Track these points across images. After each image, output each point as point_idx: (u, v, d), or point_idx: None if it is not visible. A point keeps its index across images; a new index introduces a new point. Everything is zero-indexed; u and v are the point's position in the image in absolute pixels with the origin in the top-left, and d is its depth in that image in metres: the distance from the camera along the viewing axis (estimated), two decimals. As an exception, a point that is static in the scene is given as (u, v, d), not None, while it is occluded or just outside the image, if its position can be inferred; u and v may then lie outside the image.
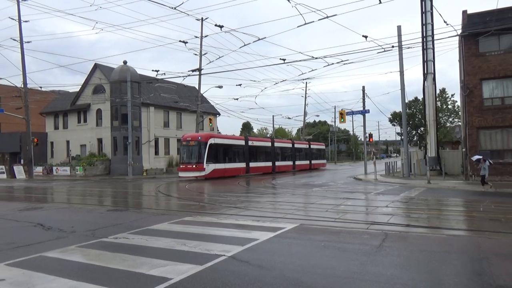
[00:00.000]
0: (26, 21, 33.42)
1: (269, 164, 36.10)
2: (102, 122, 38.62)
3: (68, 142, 41.85)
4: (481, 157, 17.22)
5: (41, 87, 33.50)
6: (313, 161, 45.91)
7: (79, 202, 15.88)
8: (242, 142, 32.60)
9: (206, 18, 32.49)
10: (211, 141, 28.29)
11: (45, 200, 17.08)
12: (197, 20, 32.30)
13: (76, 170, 35.96)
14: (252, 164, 33.10)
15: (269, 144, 36.82)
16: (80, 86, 40.15)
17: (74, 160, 38.52)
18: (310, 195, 15.76)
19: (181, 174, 28.31)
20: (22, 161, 38.63)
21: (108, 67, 38.08)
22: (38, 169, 37.71)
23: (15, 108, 36.07)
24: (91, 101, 39.31)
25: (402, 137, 33.14)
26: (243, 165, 32.00)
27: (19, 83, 34.09)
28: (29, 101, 34.02)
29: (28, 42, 33.86)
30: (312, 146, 46.36)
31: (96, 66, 38.97)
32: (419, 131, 45.85)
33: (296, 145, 42.19)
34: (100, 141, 39.01)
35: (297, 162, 41.78)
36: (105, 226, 8.96)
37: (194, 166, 27.33)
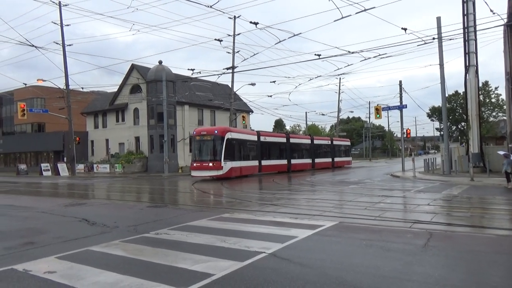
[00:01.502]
0: (67, 25, 34.90)
1: (284, 162, 32.71)
2: (139, 120, 39.74)
3: (107, 140, 43.40)
4: (504, 152, 16.57)
5: (82, 88, 34.91)
6: (336, 159, 42.26)
7: (119, 198, 16.40)
8: (255, 138, 29.29)
9: (238, 16, 32.64)
10: (228, 135, 25.08)
11: (88, 196, 17.78)
12: (230, 18, 32.51)
13: (115, 168, 37.22)
14: (264, 162, 29.84)
15: (284, 140, 33.41)
16: (118, 86, 41.50)
17: (113, 158, 39.90)
18: (347, 192, 15.48)
19: (194, 173, 24.82)
20: (65, 159, 40.48)
21: (144, 67, 39.11)
22: (80, 167, 39.38)
23: (58, 108, 37.83)
24: (128, 100, 40.54)
25: (442, 132, 31.90)
26: (256, 163, 28.88)
27: (62, 84, 35.66)
28: (71, 102, 35.53)
29: (70, 45, 35.43)
30: (335, 142, 42.86)
31: (133, 67, 40.11)
32: (459, 126, 43.96)
33: (315, 141, 38.69)
34: (137, 139, 40.17)
35: (317, 160, 38.25)
36: (146, 222, 9.19)
37: (211, 164, 24.00)
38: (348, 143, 48.14)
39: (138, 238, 7.35)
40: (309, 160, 37.10)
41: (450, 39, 15.18)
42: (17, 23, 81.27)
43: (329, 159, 40.96)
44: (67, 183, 26.69)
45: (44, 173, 38.34)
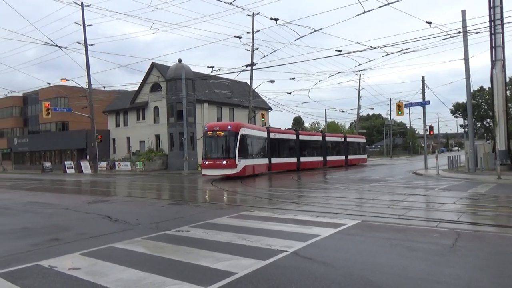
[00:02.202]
0: (89, 25, 35.54)
1: (293, 160, 31.04)
2: (159, 119, 40.21)
3: (128, 138, 44.11)
4: None
5: (104, 87, 35.56)
6: (350, 156, 40.37)
7: (141, 195, 16.60)
8: (265, 134, 27.78)
9: (257, 13, 32.44)
10: (242, 131, 23.50)
11: (110, 193, 18.08)
12: (249, 15, 32.44)
13: (136, 165, 37.78)
14: (274, 160, 28.28)
15: (293, 137, 31.66)
16: (139, 85, 42.07)
17: (134, 156, 40.52)
18: (368, 190, 15.21)
19: (206, 172, 23.31)
20: (88, 157, 41.34)
21: (164, 65, 39.49)
22: (102, 164, 40.14)
23: (81, 107, 38.61)
24: (148, 99, 41.07)
25: (466, 129, 30.97)
26: (266, 160, 27.30)
27: (84, 83, 36.40)
28: (93, 101, 36.22)
29: (92, 44, 36.02)
30: (348, 139, 41.13)
31: (153, 65, 40.57)
32: (484, 123, 42.65)
33: (327, 138, 37.15)
34: (157, 137, 40.67)
35: (329, 158, 36.62)
36: (167, 219, 9.24)
37: (224, 162, 22.47)
38: (363, 140, 46.28)
39: (159, 235, 7.38)
40: (320, 158, 35.43)
41: (477, 33, 14.60)
42: (41, 24, 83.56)
43: (342, 157, 39.25)
44: (90, 181, 27.23)
45: (68, 171, 39.28)
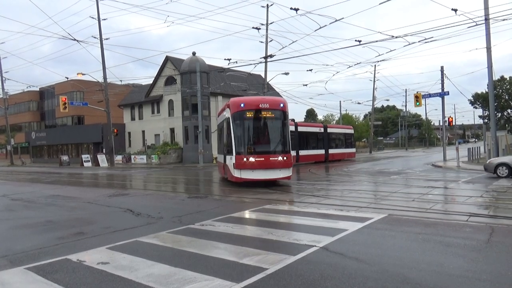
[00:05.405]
0: (104, 19, 35.60)
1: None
2: (174, 112, 40.29)
3: (143, 132, 44.38)
4: None
5: (121, 81, 35.74)
6: (332, 150, 34.31)
7: (160, 189, 16.62)
8: None
9: (271, 5, 32.08)
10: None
11: (129, 186, 18.19)
12: (263, 7, 32.12)
13: (152, 159, 38.01)
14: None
15: None
16: (153, 79, 42.18)
17: (150, 149, 40.76)
18: (389, 183, 14.93)
19: (248, 175, 14.53)
20: (104, 150, 41.76)
21: (178, 59, 39.46)
22: (118, 158, 40.49)
23: (97, 101, 38.92)
24: (163, 92, 41.16)
25: (486, 120, 30.16)
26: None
27: (100, 78, 36.64)
28: (108, 94, 36.43)
29: (107, 39, 36.16)
30: (330, 130, 35.03)
31: (167, 59, 40.58)
32: (505, 114, 41.47)
33: (300, 128, 31.15)
34: (172, 130, 40.79)
35: (303, 152, 30.87)
36: (189, 212, 9.20)
37: (280, 158, 14.63)
38: (351, 131, 39.99)
39: (184, 229, 7.33)
40: (292, 153, 28.64)
41: (504, 19, 14.00)
42: (57, 19, 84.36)
43: (321, 151, 33.26)
44: (107, 174, 27.48)
45: (85, 164, 39.75)
